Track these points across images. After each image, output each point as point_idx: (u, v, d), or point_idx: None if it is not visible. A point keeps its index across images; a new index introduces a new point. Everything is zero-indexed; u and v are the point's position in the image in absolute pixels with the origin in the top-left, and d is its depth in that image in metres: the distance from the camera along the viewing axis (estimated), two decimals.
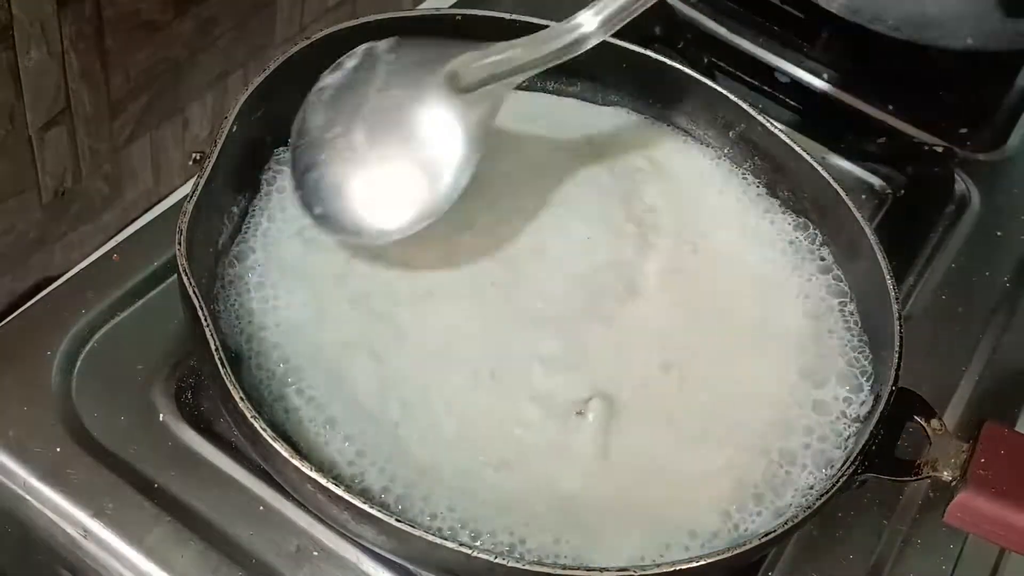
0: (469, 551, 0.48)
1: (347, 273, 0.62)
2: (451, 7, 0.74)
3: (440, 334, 0.61)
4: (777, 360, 0.64)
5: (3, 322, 0.67)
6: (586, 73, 0.74)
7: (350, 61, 0.61)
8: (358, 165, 0.59)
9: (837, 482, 0.54)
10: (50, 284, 0.73)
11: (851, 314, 0.66)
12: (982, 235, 0.87)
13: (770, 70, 0.96)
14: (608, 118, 0.74)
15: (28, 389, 0.63)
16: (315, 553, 0.60)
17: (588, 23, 0.58)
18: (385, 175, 0.59)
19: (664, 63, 0.72)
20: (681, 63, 0.73)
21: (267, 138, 0.65)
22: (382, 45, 0.61)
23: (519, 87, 0.69)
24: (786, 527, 0.52)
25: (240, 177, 0.63)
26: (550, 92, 0.74)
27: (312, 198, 0.59)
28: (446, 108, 0.58)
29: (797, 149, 0.69)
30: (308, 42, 0.64)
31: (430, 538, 0.49)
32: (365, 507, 0.49)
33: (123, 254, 0.71)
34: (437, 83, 0.58)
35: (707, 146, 0.74)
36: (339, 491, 0.49)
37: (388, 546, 0.52)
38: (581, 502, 0.56)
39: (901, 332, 0.59)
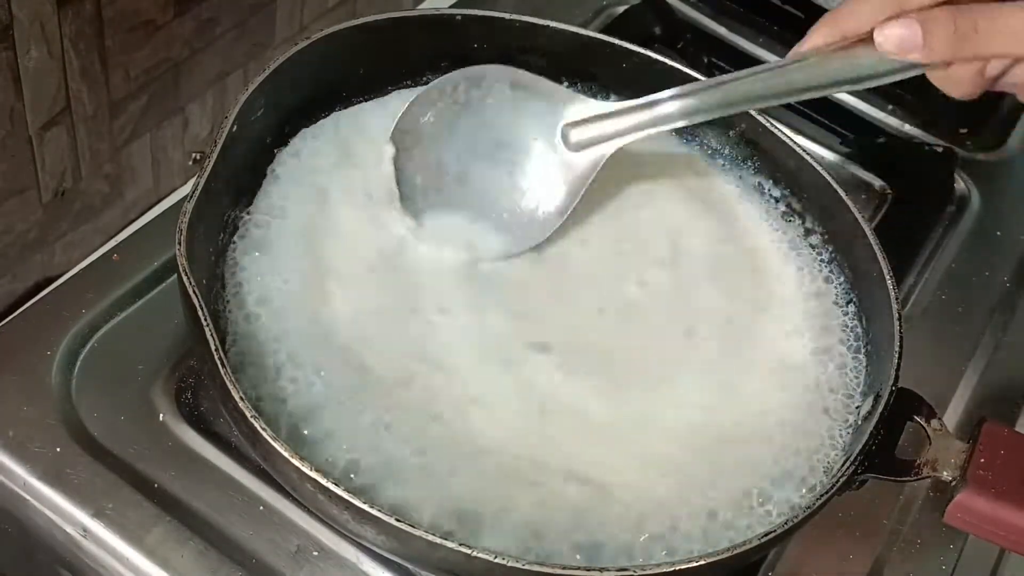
0: (469, 551, 0.48)
1: (346, 272, 0.62)
2: (451, 7, 0.74)
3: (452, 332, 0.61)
4: (776, 360, 0.64)
5: (3, 322, 0.67)
6: (586, 73, 0.74)
7: (456, 85, 0.65)
8: (470, 192, 0.66)
9: (837, 482, 0.54)
10: (50, 284, 0.73)
11: (851, 314, 0.66)
12: (982, 235, 0.87)
13: None
14: None
15: (28, 389, 0.63)
16: (315, 553, 0.60)
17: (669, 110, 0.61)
18: (493, 207, 0.66)
19: (664, 63, 0.72)
20: (681, 63, 0.73)
21: (267, 138, 0.65)
22: (492, 74, 0.65)
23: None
24: (786, 527, 0.52)
25: (240, 177, 0.63)
26: None
27: (417, 209, 0.65)
28: (558, 163, 0.65)
29: (797, 149, 0.69)
30: (308, 42, 0.64)
31: (430, 538, 0.49)
32: (365, 507, 0.49)
33: (123, 254, 0.71)
34: (550, 137, 0.65)
35: (707, 146, 0.74)
36: (339, 491, 0.49)
37: (388, 546, 0.52)
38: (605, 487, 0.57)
39: (901, 332, 0.59)
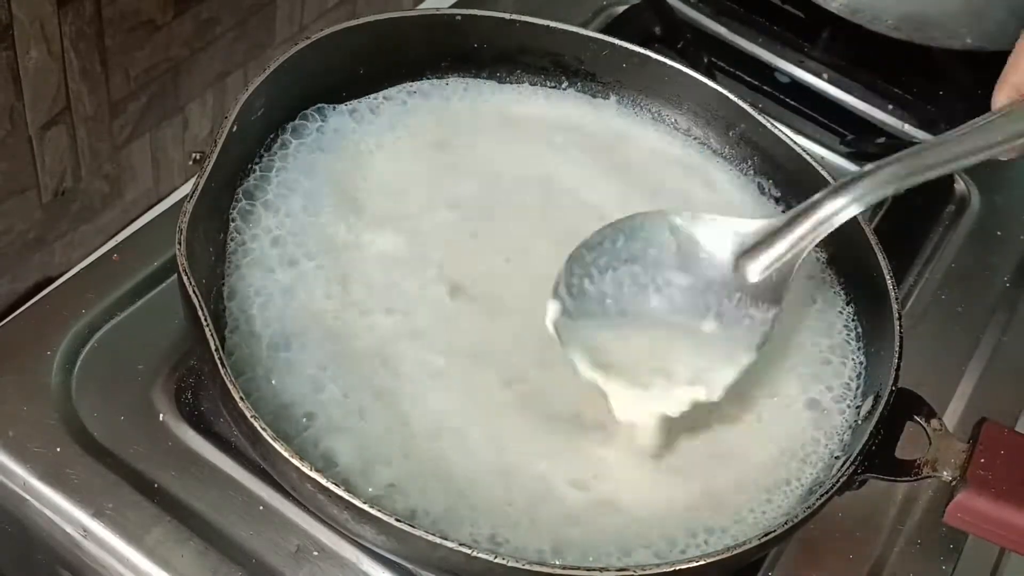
0: (469, 551, 0.48)
1: (347, 272, 0.62)
2: (451, 7, 0.74)
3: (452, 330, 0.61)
4: (777, 361, 0.64)
5: (3, 322, 0.67)
6: (586, 72, 0.74)
7: (613, 240, 0.60)
8: (657, 331, 0.60)
9: (837, 482, 0.54)
10: (50, 284, 0.73)
11: (851, 314, 0.66)
12: (982, 235, 0.87)
13: (770, 70, 0.96)
14: (608, 117, 0.74)
15: (28, 389, 0.63)
16: (315, 553, 0.60)
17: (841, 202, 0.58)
18: (685, 346, 0.60)
19: (664, 63, 0.72)
20: (681, 63, 0.73)
21: (267, 138, 0.65)
22: (648, 222, 0.61)
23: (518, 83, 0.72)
24: (786, 527, 0.52)
25: (240, 177, 0.63)
26: (549, 89, 0.74)
27: (589, 343, 0.58)
28: (739, 297, 0.60)
29: (797, 149, 0.69)
30: (308, 42, 0.64)
31: (430, 538, 0.49)
32: (365, 507, 0.49)
33: (123, 254, 0.71)
34: (725, 273, 0.60)
35: (707, 146, 0.74)
36: (339, 491, 0.49)
37: (388, 546, 0.52)
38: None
39: (901, 332, 0.60)
